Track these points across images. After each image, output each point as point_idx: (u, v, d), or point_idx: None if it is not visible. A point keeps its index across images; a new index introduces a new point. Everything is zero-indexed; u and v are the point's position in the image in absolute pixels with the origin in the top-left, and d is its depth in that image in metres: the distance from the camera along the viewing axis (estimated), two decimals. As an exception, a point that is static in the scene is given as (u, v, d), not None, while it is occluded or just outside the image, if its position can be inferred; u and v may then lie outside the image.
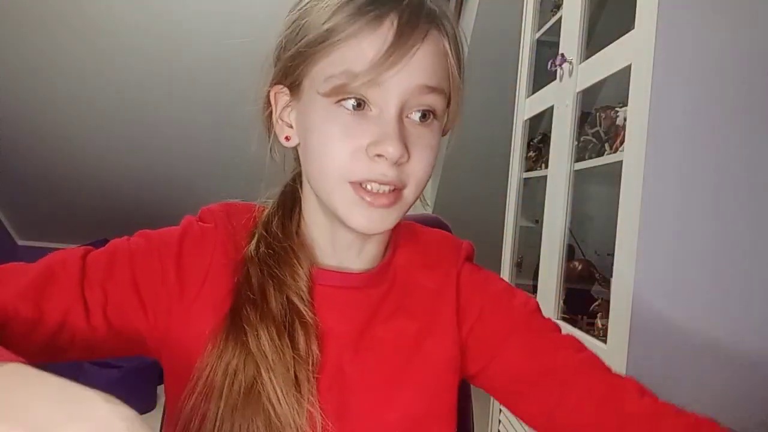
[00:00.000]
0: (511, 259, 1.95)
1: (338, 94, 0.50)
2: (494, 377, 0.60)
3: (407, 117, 0.52)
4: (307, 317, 0.55)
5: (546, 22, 1.82)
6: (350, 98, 0.50)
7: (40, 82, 2.82)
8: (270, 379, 0.51)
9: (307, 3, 0.54)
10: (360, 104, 0.51)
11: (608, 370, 0.58)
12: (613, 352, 1.12)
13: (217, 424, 0.50)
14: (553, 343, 0.59)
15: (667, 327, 1.06)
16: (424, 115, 0.53)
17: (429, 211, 0.65)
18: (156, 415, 2.52)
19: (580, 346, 0.59)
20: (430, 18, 0.52)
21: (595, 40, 1.44)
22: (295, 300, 0.55)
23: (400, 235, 0.64)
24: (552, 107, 1.60)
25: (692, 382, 1.06)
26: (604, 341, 1.18)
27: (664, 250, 1.06)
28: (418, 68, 0.51)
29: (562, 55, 1.50)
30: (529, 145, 1.94)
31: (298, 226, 0.61)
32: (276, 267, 0.56)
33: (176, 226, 0.59)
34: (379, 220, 0.53)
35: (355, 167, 0.51)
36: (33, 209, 3.49)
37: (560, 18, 1.60)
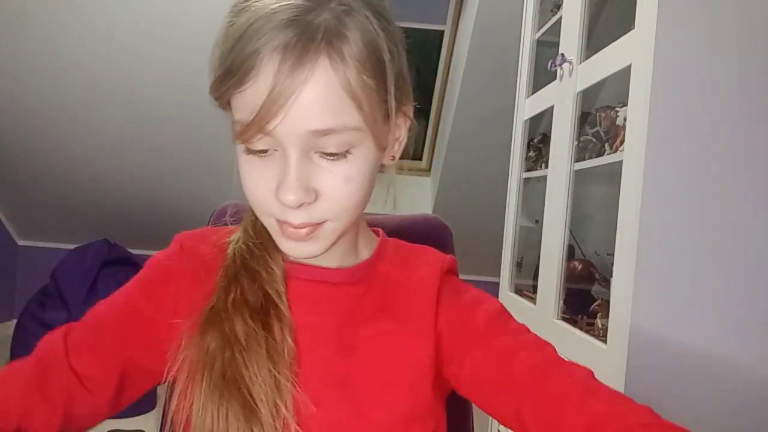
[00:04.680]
0: (511, 259, 1.95)
1: (239, 140, 0.50)
2: (465, 384, 0.60)
3: (315, 153, 0.49)
4: (282, 310, 0.57)
5: (546, 22, 1.82)
6: (249, 145, 0.50)
7: (40, 83, 2.83)
8: (244, 361, 0.53)
9: (221, 32, 0.51)
10: (260, 149, 0.50)
11: (561, 366, 0.54)
12: (612, 352, 1.12)
13: (201, 407, 0.53)
14: (509, 350, 0.56)
15: (667, 327, 1.06)
16: (333, 153, 0.49)
17: (390, 210, 0.66)
18: (156, 415, 2.52)
19: (537, 345, 0.56)
20: (321, 47, 0.46)
21: (595, 40, 1.44)
22: (270, 292, 0.57)
23: (385, 248, 0.65)
24: (552, 107, 1.60)
25: (693, 381, 1.06)
26: (604, 341, 1.18)
27: (664, 249, 1.06)
28: (304, 114, 0.46)
29: (562, 55, 1.51)
30: (529, 145, 1.93)
31: None
32: (251, 261, 0.59)
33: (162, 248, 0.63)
34: (305, 248, 0.54)
35: (271, 207, 0.51)
36: (33, 209, 3.49)
37: (560, 18, 1.60)
